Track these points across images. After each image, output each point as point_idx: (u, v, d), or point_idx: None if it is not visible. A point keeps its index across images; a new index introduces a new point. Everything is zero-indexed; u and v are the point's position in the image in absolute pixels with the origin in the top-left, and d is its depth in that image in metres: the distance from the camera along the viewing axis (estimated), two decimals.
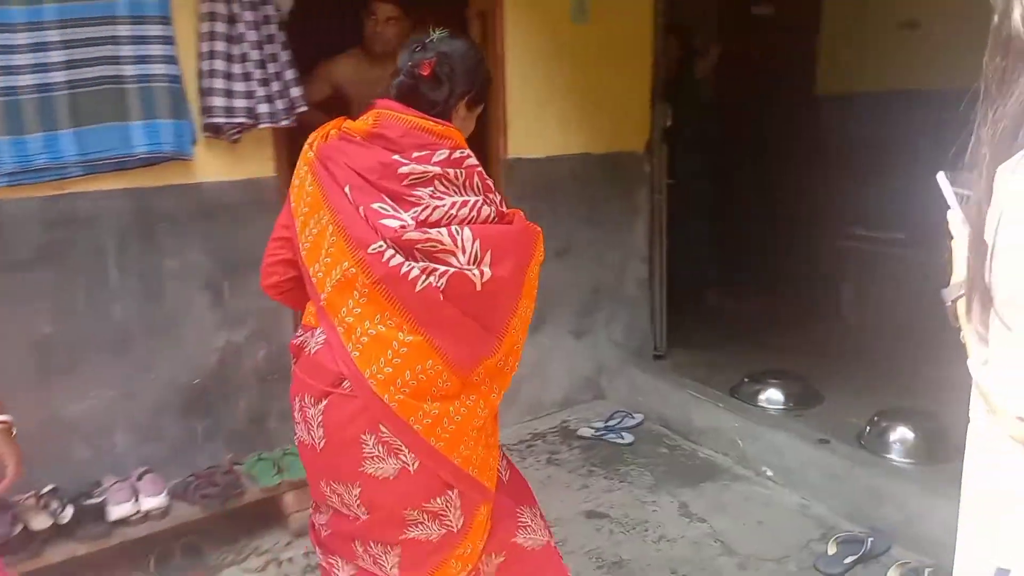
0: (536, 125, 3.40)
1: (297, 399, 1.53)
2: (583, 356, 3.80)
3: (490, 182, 1.53)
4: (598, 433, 3.47)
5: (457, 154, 1.47)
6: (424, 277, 1.37)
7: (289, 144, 2.79)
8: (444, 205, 1.42)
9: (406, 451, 1.45)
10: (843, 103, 5.20)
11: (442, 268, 1.39)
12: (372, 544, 1.54)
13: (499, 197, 1.55)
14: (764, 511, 2.82)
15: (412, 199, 1.41)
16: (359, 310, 1.41)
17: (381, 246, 1.37)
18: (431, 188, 1.43)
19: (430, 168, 1.43)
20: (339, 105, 3.28)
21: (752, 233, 5.44)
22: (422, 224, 1.41)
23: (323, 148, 1.48)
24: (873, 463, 2.81)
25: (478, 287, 1.41)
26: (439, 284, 1.38)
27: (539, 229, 1.56)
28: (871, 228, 4.58)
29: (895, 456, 2.90)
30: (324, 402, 1.47)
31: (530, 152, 3.38)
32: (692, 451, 3.33)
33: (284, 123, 2.70)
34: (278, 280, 1.59)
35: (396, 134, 1.46)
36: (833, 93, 5.29)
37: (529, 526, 1.68)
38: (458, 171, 1.46)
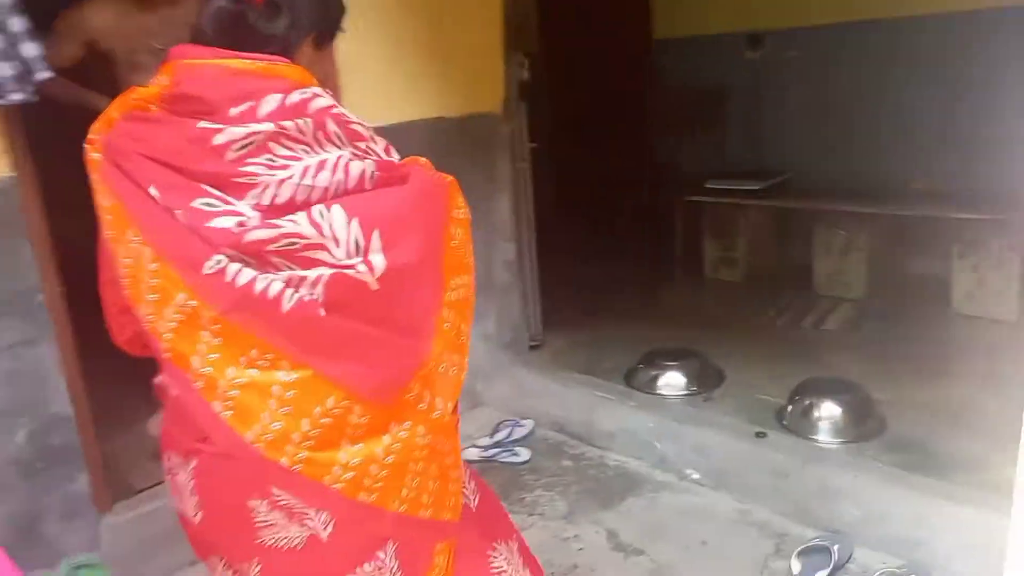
0: (381, 87, 2.72)
1: (164, 457, 1.21)
2: None
3: (360, 126, 1.12)
4: (487, 454, 2.92)
5: (296, 97, 1.08)
6: (291, 292, 1.04)
7: (37, 129, 2.02)
8: (292, 175, 1.06)
9: (313, 515, 1.12)
10: (683, 47, 4.92)
11: (313, 273, 1.05)
12: None
13: (382, 143, 1.15)
14: (704, 527, 2.43)
15: (244, 179, 1.05)
16: (216, 355, 1.06)
17: (220, 261, 1.03)
18: (267, 156, 1.06)
19: (257, 127, 1.05)
20: (103, 73, 2.40)
21: (596, 195, 5.10)
22: (268, 212, 1.05)
23: (109, 141, 1.09)
24: (814, 453, 2.49)
25: (373, 285, 1.07)
26: (314, 295, 1.05)
27: (449, 179, 1.19)
28: (725, 180, 4.35)
29: (824, 437, 2.62)
30: (193, 462, 1.15)
31: (373, 119, 2.67)
32: (600, 459, 2.87)
33: (17, 98, 1.83)
34: (131, 335, 1.20)
35: (201, 89, 1.07)
36: (672, 36, 4.99)
37: (504, 571, 1.37)
38: (302, 121, 1.07)
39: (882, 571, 2.10)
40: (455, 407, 1.24)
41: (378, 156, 1.13)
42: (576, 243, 4.73)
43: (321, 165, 1.07)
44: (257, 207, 1.05)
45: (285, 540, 1.13)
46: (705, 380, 3.10)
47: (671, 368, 3.11)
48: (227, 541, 1.19)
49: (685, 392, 3.04)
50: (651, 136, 5.17)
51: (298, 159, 1.06)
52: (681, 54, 4.90)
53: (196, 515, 1.17)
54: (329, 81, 1.82)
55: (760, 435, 2.55)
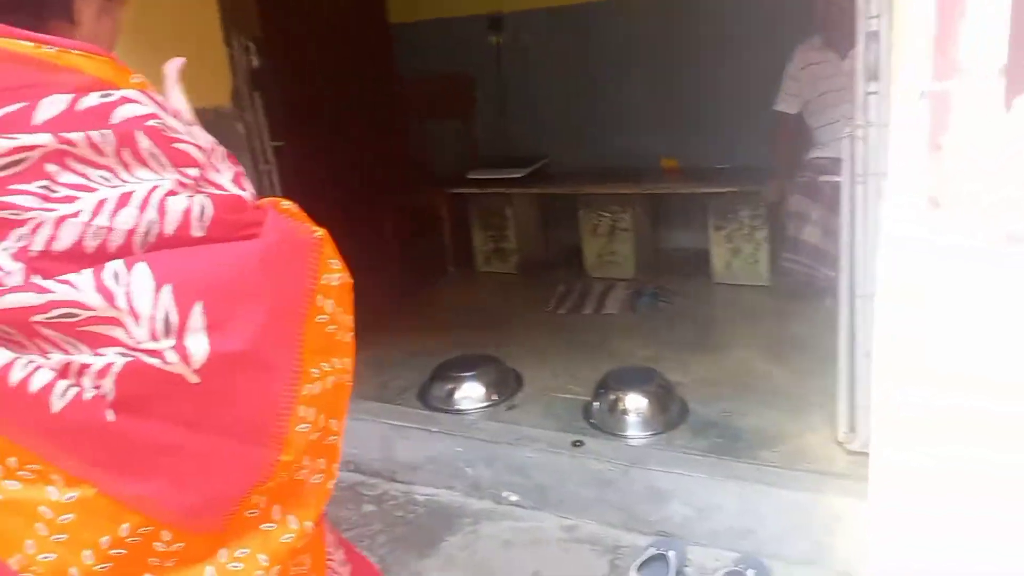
0: None
1: None
2: None
3: (192, 147, 0.81)
4: None
5: (93, 100, 0.76)
6: (64, 385, 0.73)
7: None
8: (80, 212, 0.74)
9: None
10: (424, 31, 4.66)
11: (100, 361, 0.74)
12: None
13: (229, 173, 0.85)
14: (533, 555, 2.22)
15: (5, 213, 0.73)
16: None
17: None
18: (42, 182, 0.74)
19: (31, 140, 0.73)
20: None
21: (351, 197, 4.71)
22: (39, 264, 0.74)
23: None
24: (633, 454, 2.38)
25: (191, 378, 0.76)
26: (102, 390, 0.74)
27: (319, 233, 0.88)
28: (486, 170, 4.20)
29: (635, 432, 2.53)
30: None
31: None
32: (407, 496, 2.55)
33: None
34: None
35: None
36: (411, 20, 4.70)
37: None
38: (99, 134, 0.75)
39: (723, 571, 2.04)
40: (313, 518, 0.91)
41: (219, 189, 0.82)
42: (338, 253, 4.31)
43: (124, 199, 0.76)
44: (21, 255, 0.74)
45: None
46: (504, 387, 2.90)
47: (466, 379, 2.87)
48: None
49: (486, 404, 2.82)
50: (400, 128, 4.87)
51: (91, 189, 0.75)
52: (422, 38, 4.65)
53: None
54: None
55: (577, 444, 2.39)
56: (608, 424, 2.56)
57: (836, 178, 3.30)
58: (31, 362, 0.74)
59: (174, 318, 0.75)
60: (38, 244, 0.74)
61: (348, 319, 0.91)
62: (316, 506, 0.90)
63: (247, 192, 0.85)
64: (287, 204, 0.90)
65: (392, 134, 4.84)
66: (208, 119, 2.82)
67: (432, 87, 4.63)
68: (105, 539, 0.79)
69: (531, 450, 2.39)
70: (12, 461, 0.77)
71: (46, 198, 0.74)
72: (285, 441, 0.83)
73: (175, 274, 0.75)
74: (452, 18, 4.57)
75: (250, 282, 0.79)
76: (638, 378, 2.68)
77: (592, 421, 2.61)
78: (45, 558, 0.78)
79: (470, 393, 2.85)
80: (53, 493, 0.78)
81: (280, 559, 0.86)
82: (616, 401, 2.59)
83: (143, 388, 0.76)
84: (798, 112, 3.46)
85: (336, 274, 0.89)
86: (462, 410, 2.79)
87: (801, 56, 3.37)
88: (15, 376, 0.73)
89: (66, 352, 0.75)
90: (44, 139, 0.73)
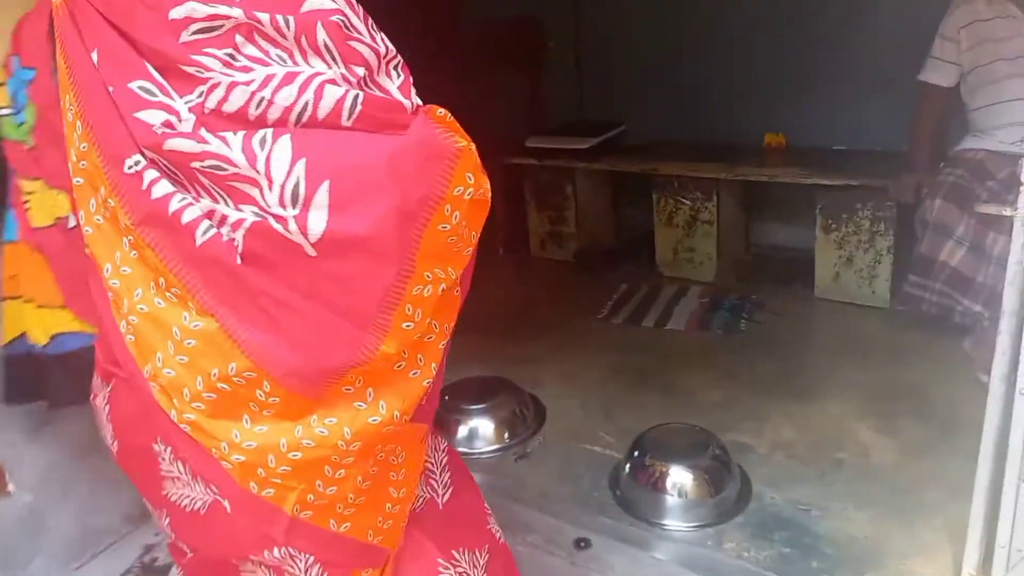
0: None
1: (94, 377, 1.08)
2: None
3: (368, 48, 0.88)
4: None
5: None
6: (207, 224, 0.85)
7: None
8: (250, 82, 0.84)
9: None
10: None
11: (237, 214, 0.85)
12: None
13: (398, 79, 0.92)
14: None
15: (192, 70, 0.85)
16: (128, 269, 0.91)
17: (139, 163, 0.86)
18: (229, 50, 0.85)
19: (227, 11, 0.84)
20: None
21: None
22: (208, 118, 0.85)
23: None
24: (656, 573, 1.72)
25: (309, 250, 0.84)
26: (233, 238, 0.85)
27: (461, 145, 0.88)
28: (549, 137, 3.52)
29: (672, 520, 1.88)
30: (110, 386, 1.02)
31: None
32: None
33: None
34: None
35: None
36: None
37: None
38: (283, 18, 0.84)
39: None
40: (416, 415, 0.98)
41: (384, 92, 0.89)
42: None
43: (289, 78, 0.84)
44: (197, 109, 0.86)
45: (188, 500, 1.00)
46: (519, 425, 2.30)
47: (475, 414, 2.28)
48: (141, 479, 1.06)
49: (493, 448, 2.23)
50: (463, 80, 4.22)
51: (266, 64, 0.85)
52: None
53: (113, 444, 1.07)
54: None
55: (582, 545, 1.76)
56: (638, 503, 1.92)
57: (994, 180, 2.48)
58: (184, 198, 0.87)
59: (302, 190, 0.82)
60: (211, 102, 0.85)
61: (472, 235, 0.94)
62: (409, 398, 0.95)
63: (409, 101, 0.90)
64: (441, 112, 0.91)
65: (455, 87, 4.22)
66: None
67: (496, 32, 3.94)
68: (215, 371, 0.89)
69: (521, 543, 1.77)
70: (163, 281, 0.90)
71: (228, 64, 0.85)
72: (389, 333, 0.88)
73: (310, 150, 0.83)
74: None
75: (379, 174, 0.84)
76: (688, 443, 2.01)
77: (619, 493, 1.97)
78: (168, 373, 0.91)
79: (477, 431, 2.26)
80: (185, 318, 0.89)
81: (363, 436, 0.94)
82: (653, 473, 1.94)
83: (266, 248, 0.85)
84: (953, 86, 2.59)
85: (470, 188, 0.90)
86: (467, 453, 2.20)
87: (964, 9, 2.48)
88: (173, 206, 0.86)
89: (214, 200, 0.86)
90: (236, 12, 0.84)
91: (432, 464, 1.20)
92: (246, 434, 0.92)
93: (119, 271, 0.92)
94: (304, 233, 0.83)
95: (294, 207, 0.83)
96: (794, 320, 2.89)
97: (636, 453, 2.00)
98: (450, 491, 1.21)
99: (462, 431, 2.25)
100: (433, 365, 0.97)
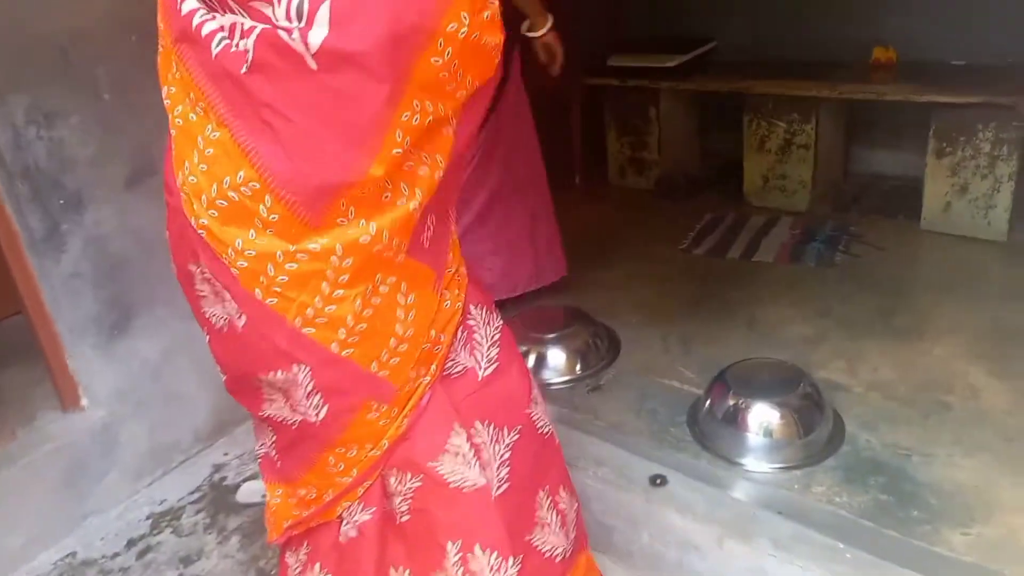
0: None
1: None
2: None
3: None
4: None
5: None
6: (222, 36, 0.93)
7: None
8: None
9: (229, 298, 1.04)
10: None
11: (250, 24, 0.92)
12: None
13: None
14: None
15: None
16: (174, 88, 1.02)
17: None
18: None
19: None
20: None
21: None
22: None
23: None
24: (735, 513, 1.60)
25: (310, 63, 0.90)
26: (243, 49, 0.92)
27: None
28: (631, 55, 3.28)
29: (755, 460, 1.75)
30: (165, 211, 1.10)
31: None
32: None
33: None
34: None
35: None
36: None
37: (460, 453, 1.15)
38: None
39: None
40: (416, 253, 1.05)
41: None
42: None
43: None
44: None
45: (215, 318, 1.09)
46: (592, 356, 2.19)
47: (546, 343, 2.18)
48: (190, 302, 1.13)
49: (564, 379, 2.13)
50: None
51: None
52: None
53: (174, 269, 1.13)
54: None
55: (658, 482, 1.65)
56: (719, 440, 1.79)
57: None
58: (205, 14, 0.95)
59: (306, 6, 0.89)
60: None
61: (467, 79, 0.98)
62: (398, 222, 1.00)
63: None
64: None
65: None
66: None
67: None
68: (227, 179, 0.96)
69: (592, 477, 1.68)
70: (192, 96, 0.98)
71: None
72: (379, 154, 0.95)
73: None
74: None
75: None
76: (775, 380, 1.85)
77: (698, 429, 1.85)
78: (192, 180, 1.00)
79: (546, 361, 2.16)
80: (208, 129, 0.97)
81: (354, 253, 0.99)
82: (736, 410, 1.80)
83: (273, 56, 0.91)
84: None
85: (464, 27, 0.94)
86: (544, 382, 2.11)
87: None
88: (195, 21, 0.95)
89: (235, 14, 0.94)
90: None
91: (480, 337, 1.21)
92: (248, 243, 0.98)
93: (169, 90, 1.02)
94: (305, 43, 0.89)
95: (299, 21, 0.89)
96: (897, 254, 2.64)
97: (717, 388, 1.87)
98: (494, 367, 1.21)
99: (531, 360, 2.16)
100: (419, 192, 1.01)
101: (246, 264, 0.99)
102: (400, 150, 0.96)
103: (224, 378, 1.19)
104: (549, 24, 2.19)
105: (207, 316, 1.10)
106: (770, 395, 1.79)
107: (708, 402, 1.86)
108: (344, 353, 1.05)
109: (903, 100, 2.67)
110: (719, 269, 2.66)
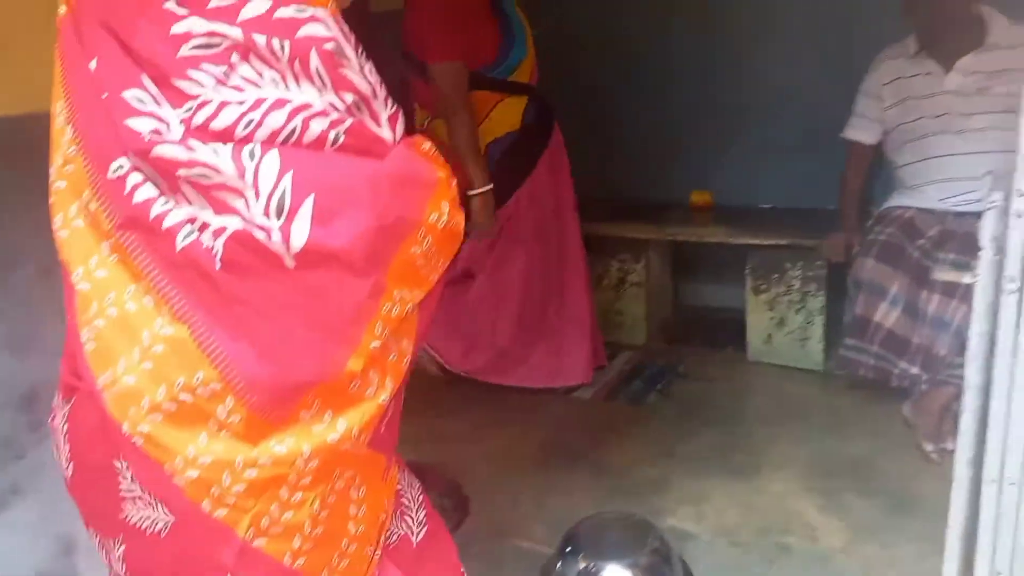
0: None
1: (56, 397, 1.05)
2: (16, 538, 1.89)
3: (359, 76, 0.91)
4: None
5: (291, 12, 0.88)
6: (188, 228, 0.88)
7: None
8: (242, 103, 0.88)
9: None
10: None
11: (219, 221, 0.87)
12: None
13: (387, 110, 0.93)
14: None
15: (185, 85, 0.88)
16: (103, 273, 0.92)
17: (122, 167, 0.88)
18: (223, 68, 0.88)
19: (226, 30, 0.87)
20: None
21: None
22: (196, 132, 0.88)
23: None
24: None
25: (288, 261, 0.87)
26: (213, 247, 0.87)
27: (440, 175, 0.95)
28: None
29: None
30: (71, 402, 0.99)
31: None
32: None
33: None
34: None
35: None
36: None
37: None
38: (280, 42, 0.87)
39: None
40: (374, 442, 0.98)
41: (370, 121, 0.91)
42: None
43: (279, 103, 0.87)
44: (186, 122, 0.87)
45: (149, 521, 0.96)
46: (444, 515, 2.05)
47: None
48: (95, 507, 1.02)
49: None
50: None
51: (258, 86, 0.88)
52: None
53: (68, 468, 1.02)
54: None
55: None
56: None
57: (924, 239, 2.43)
58: (167, 202, 0.87)
59: (287, 202, 0.85)
60: (199, 118, 0.86)
61: (440, 263, 0.98)
62: (367, 416, 0.94)
63: (392, 133, 0.92)
64: (426, 146, 0.97)
65: None
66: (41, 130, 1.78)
67: None
68: (180, 380, 0.87)
69: None
70: (140, 286, 0.89)
71: (221, 82, 0.87)
72: (357, 349, 0.90)
73: (300, 165, 0.86)
74: None
75: (360, 192, 0.88)
76: (624, 537, 1.80)
77: None
78: (128, 380, 0.89)
79: None
80: (157, 323, 0.88)
81: (321, 454, 0.92)
82: (586, 574, 1.72)
83: (246, 257, 0.86)
84: (876, 142, 2.55)
85: (444, 217, 0.94)
86: None
87: (886, 67, 2.46)
88: (155, 211, 0.87)
89: (190, 204, 0.87)
90: (236, 34, 0.86)
91: (408, 501, 1.17)
92: (201, 450, 0.90)
93: (92, 275, 0.92)
94: (287, 243, 0.85)
95: (279, 218, 0.85)
96: (728, 386, 2.75)
97: (567, 550, 1.79)
98: (424, 530, 1.17)
99: None
100: (389, 382, 0.97)
101: (197, 474, 0.90)
102: (378, 342, 0.93)
103: None
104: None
105: (130, 521, 0.97)
106: (620, 555, 1.73)
107: (559, 565, 1.78)
108: (296, 564, 0.97)
109: (721, 241, 2.86)
110: (565, 413, 2.64)
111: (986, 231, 1.13)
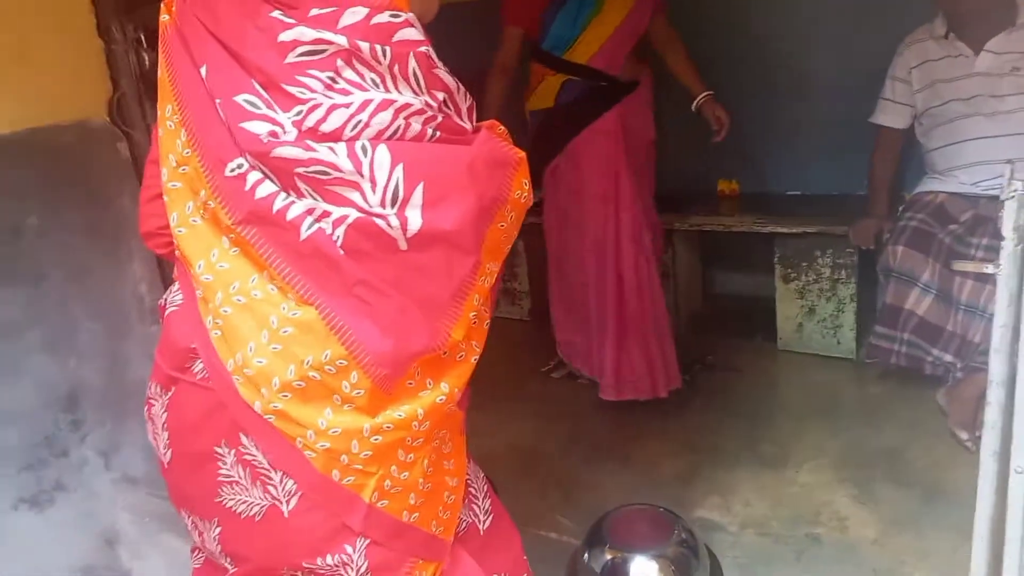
0: None
1: (148, 387, 1.11)
2: (61, 532, 1.96)
3: (447, 75, 0.98)
4: None
5: (384, 18, 0.93)
6: (310, 220, 0.92)
7: None
8: (349, 105, 0.92)
9: (278, 482, 0.99)
10: None
11: (339, 211, 0.92)
12: None
13: (467, 102, 1.01)
14: None
15: (295, 90, 0.92)
16: (225, 265, 0.97)
17: (241, 166, 0.92)
18: (330, 73, 0.92)
19: (332, 37, 0.91)
20: None
21: None
22: (307, 133, 0.92)
23: (184, 3, 0.98)
24: None
25: (402, 244, 0.92)
26: (334, 234, 0.92)
27: (520, 155, 1.02)
28: None
29: None
30: (170, 393, 1.05)
31: None
32: None
33: None
34: (155, 227, 1.09)
35: None
36: None
37: None
38: (382, 48, 0.92)
39: None
40: (463, 399, 1.07)
41: (455, 115, 0.98)
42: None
43: (385, 105, 0.92)
44: (297, 123, 0.91)
45: (244, 505, 1.02)
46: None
47: None
48: (191, 490, 1.07)
49: None
50: None
51: (363, 88, 0.92)
52: None
53: (166, 454, 1.07)
54: None
55: None
56: None
57: (956, 224, 2.38)
58: (288, 197, 0.92)
59: (401, 191, 0.90)
60: (310, 121, 0.91)
61: (515, 234, 1.03)
62: (463, 377, 1.03)
63: (470, 123, 0.99)
64: (501, 128, 1.02)
65: None
66: (66, 138, 1.91)
67: None
68: (309, 359, 0.93)
69: None
70: (263, 275, 0.95)
71: (329, 87, 0.91)
72: (459, 320, 0.97)
73: (408, 157, 0.91)
74: None
75: (461, 177, 0.94)
76: (650, 528, 1.80)
77: None
78: (258, 362, 0.94)
79: None
80: (284, 307, 0.94)
81: (432, 415, 0.99)
82: (613, 565, 1.73)
83: (365, 242, 0.91)
84: (906, 127, 2.50)
85: (524, 192, 1.01)
86: None
87: (913, 50, 2.41)
88: (277, 205, 0.91)
89: (304, 198, 0.92)
90: (341, 41, 0.90)
91: (475, 490, 1.21)
92: (332, 421, 0.95)
93: (214, 267, 0.97)
94: (404, 228, 0.90)
95: (393, 206, 0.91)
96: (757, 377, 2.73)
97: (594, 541, 1.80)
98: (491, 518, 1.22)
99: None
100: (476, 345, 1.03)
101: (328, 444, 0.96)
102: (475, 312, 1.00)
103: (233, 572, 1.10)
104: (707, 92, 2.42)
105: (226, 504, 1.03)
106: (646, 547, 1.74)
107: (586, 556, 1.79)
108: (412, 519, 1.05)
109: (748, 231, 2.84)
110: (590, 404, 2.65)
111: (1008, 220, 1.11)
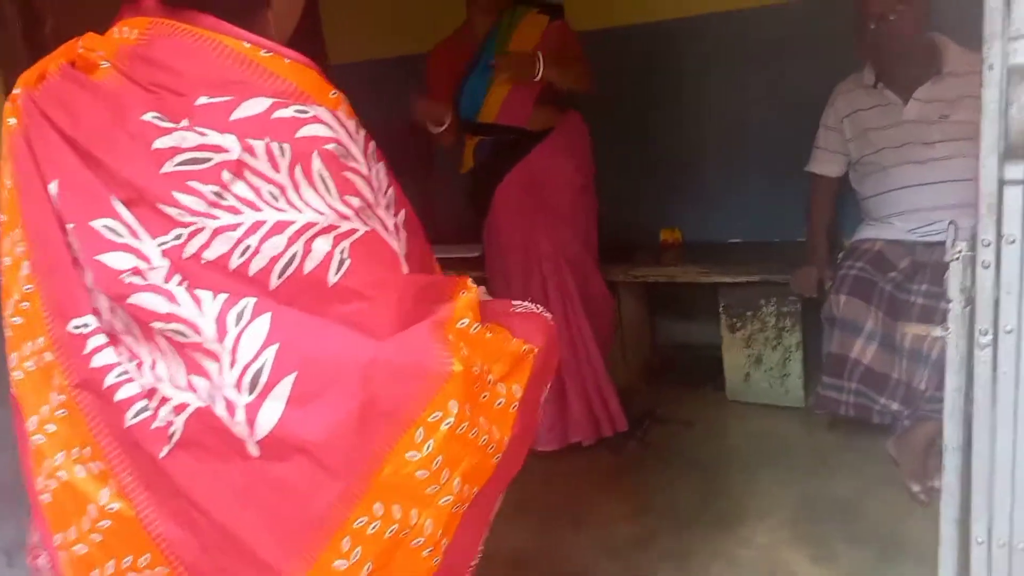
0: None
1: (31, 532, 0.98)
2: None
3: (362, 180, 0.83)
4: None
5: (290, 112, 0.79)
6: (143, 405, 0.79)
7: None
8: (237, 227, 0.78)
9: None
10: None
11: (180, 396, 0.79)
12: None
13: (392, 218, 0.86)
14: None
15: (173, 211, 0.78)
16: (53, 427, 0.84)
17: (86, 326, 0.80)
18: (214, 187, 0.78)
19: (219, 140, 0.77)
20: None
21: None
22: (182, 264, 0.78)
23: (32, 104, 0.82)
24: None
25: (251, 448, 0.77)
26: (169, 424, 0.79)
27: (448, 370, 0.80)
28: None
29: None
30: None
31: None
32: None
33: None
34: None
35: (177, 58, 0.80)
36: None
37: None
38: (280, 146, 0.78)
39: None
40: None
41: (383, 227, 0.84)
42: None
43: (279, 228, 0.77)
44: (172, 253, 0.77)
45: None
46: None
47: None
48: None
49: None
50: None
51: (255, 208, 0.77)
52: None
53: None
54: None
55: None
56: None
57: (896, 271, 2.38)
58: (124, 372, 0.79)
59: (265, 376, 0.76)
60: (191, 249, 0.77)
61: (454, 482, 0.81)
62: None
63: (398, 243, 0.84)
64: (463, 323, 0.84)
65: None
66: None
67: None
68: (128, 559, 0.81)
69: None
70: (88, 451, 0.82)
71: (214, 204, 0.77)
72: (316, 564, 0.78)
73: (288, 336, 0.76)
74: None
75: (350, 377, 0.77)
76: None
77: None
78: (79, 548, 0.83)
79: None
80: (103, 497, 0.81)
81: None
82: None
83: (206, 437, 0.77)
84: (840, 175, 2.53)
85: (450, 418, 0.80)
86: None
87: (844, 99, 2.44)
88: (108, 380, 0.79)
89: (167, 367, 0.79)
90: (229, 140, 0.76)
91: None
92: None
93: (44, 428, 0.84)
94: (251, 426, 0.76)
95: (250, 393, 0.77)
96: (708, 428, 2.68)
97: None
98: None
99: None
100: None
101: None
102: (345, 563, 0.78)
103: None
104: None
105: None
106: None
107: None
108: None
109: (692, 280, 2.82)
110: (541, 464, 2.55)
111: (954, 282, 1.08)
